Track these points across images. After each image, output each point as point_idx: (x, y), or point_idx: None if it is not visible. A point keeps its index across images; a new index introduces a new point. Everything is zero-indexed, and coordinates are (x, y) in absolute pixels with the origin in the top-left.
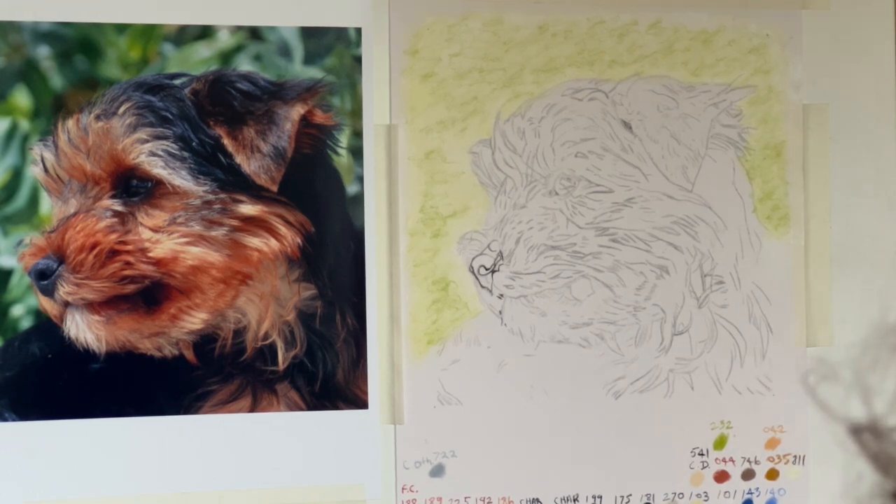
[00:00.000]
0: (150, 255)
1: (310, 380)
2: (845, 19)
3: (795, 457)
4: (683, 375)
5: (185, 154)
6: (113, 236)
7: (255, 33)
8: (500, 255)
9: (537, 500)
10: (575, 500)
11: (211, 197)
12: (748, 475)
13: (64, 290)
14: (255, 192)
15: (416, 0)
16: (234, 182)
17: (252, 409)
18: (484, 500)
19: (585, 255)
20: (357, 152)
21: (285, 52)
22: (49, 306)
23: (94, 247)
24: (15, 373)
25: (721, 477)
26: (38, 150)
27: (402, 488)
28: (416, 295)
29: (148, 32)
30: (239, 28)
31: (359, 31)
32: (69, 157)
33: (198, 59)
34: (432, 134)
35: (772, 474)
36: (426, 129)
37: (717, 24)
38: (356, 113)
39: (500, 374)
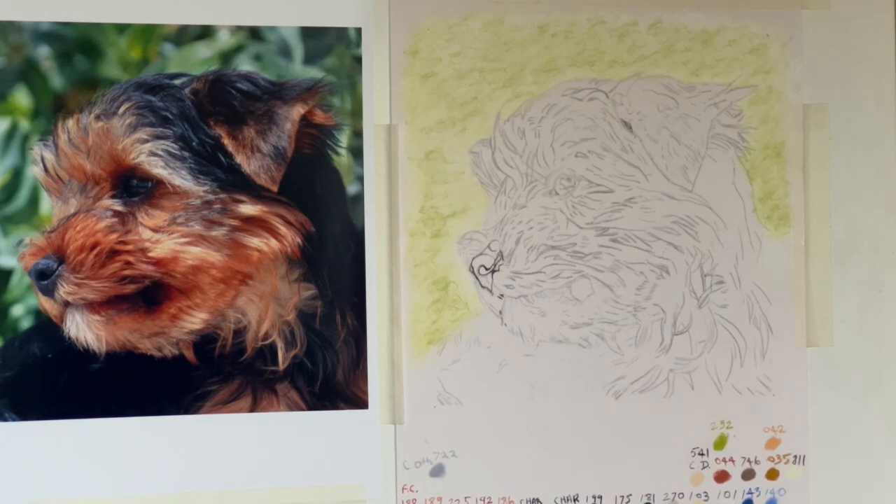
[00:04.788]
0: (151, 254)
1: (310, 380)
2: (845, 19)
3: (795, 457)
4: (683, 375)
5: (186, 154)
6: (113, 236)
7: (255, 33)
8: (500, 255)
9: (537, 500)
10: (575, 500)
11: (211, 197)
12: (748, 475)
13: (64, 289)
14: (256, 192)
15: (416, 0)
16: (234, 182)
17: (252, 409)
18: (484, 500)
19: (585, 255)
20: (357, 152)
21: (285, 52)
22: (49, 306)
23: (94, 247)
24: (15, 373)
25: (721, 477)
26: (38, 150)
27: (402, 488)
28: (416, 295)
29: (148, 32)
30: (239, 28)
31: (359, 31)
32: (69, 157)
33: (198, 59)
34: (432, 134)
35: (772, 474)
36: (426, 129)
37: (717, 25)
38: (356, 113)
39: (500, 374)
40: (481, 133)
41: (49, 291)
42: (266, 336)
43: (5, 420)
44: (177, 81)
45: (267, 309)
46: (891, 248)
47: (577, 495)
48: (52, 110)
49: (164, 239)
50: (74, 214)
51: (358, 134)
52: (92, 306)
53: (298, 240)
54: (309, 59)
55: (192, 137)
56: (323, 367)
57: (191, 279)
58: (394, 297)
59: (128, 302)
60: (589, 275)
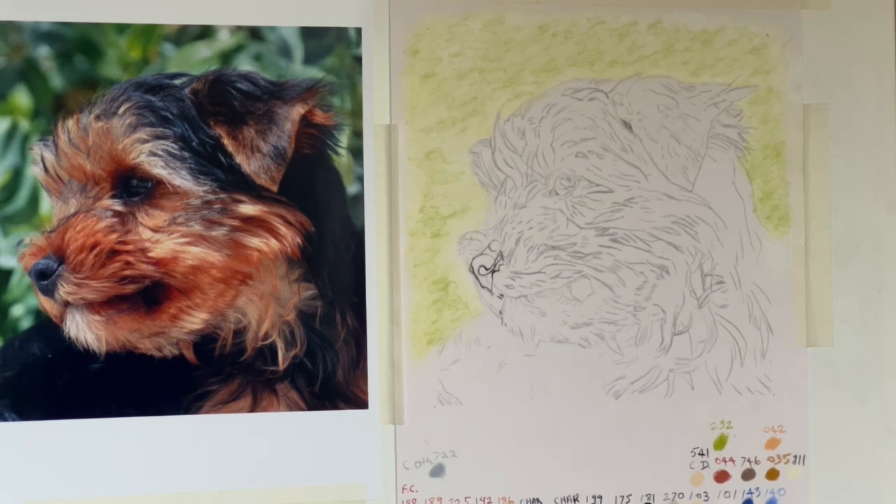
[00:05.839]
0: (151, 254)
1: (310, 380)
2: (845, 19)
3: (795, 457)
4: (683, 375)
5: (186, 154)
6: (113, 236)
7: (255, 33)
8: (500, 255)
9: (537, 500)
10: (575, 500)
11: (211, 197)
12: (748, 475)
13: (64, 289)
14: (256, 192)
15: (416, 0)
16: (234, 182)
17: (252, 409)
18: (484, 500)
19: (585, 255)
20: (357, 152)
21: (285, 52)
22: (49, 306)
23: (94, 247)
24: (15, 373)
25: (721, 477)
26: (38, 150)
27: (402, 488)
28: (416, 295)
29: (148, 32)
30: (239, 28)
31: (359, 31)
32: (69, 157)
33: (198, 59)
34: (432, 134)
35: (772, 474)
36: (426, 129)
37: (717, 24)
38: (356, 113)
39: (500, 374)
40: (481, 133)
41: (49, 291)
42: (266, 336)
43: (5, 420)
44: (177, 81)
45: (267, 309)
46: (891, 248)
47: (577, 495)
48: (52, 110)
49: (164, 239)
50: (74, 214)
51: (358, 134)
52: (92, 306)
53: (298, 240)
54: (309, 59)
55: (192, 137)
56: (323, 367)
57: (191, 279)
58: (394, 297)
59: (128, 302)
60: (589, 275)
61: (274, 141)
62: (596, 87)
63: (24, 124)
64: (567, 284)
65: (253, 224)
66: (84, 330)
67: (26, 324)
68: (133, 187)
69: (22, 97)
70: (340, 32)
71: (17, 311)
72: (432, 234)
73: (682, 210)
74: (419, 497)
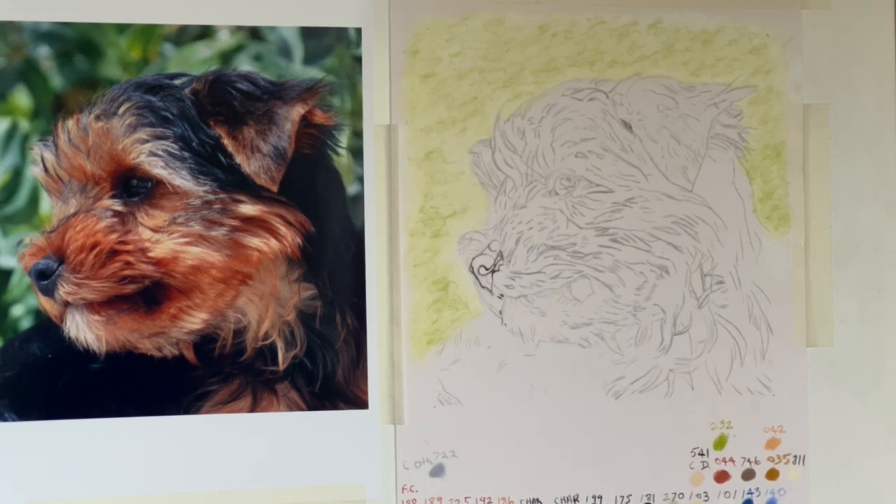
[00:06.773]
0: (151, 255)
1: (310, 380)
2: (845, 19)
3: (795, 457)
4: (683, 375)
5: (185, 154)
6: (113, 236)
7: (255, 33)
8: (500, 255)
9: (537, 500)
10: (575, 500)
11: (211, 197)
12: (748, 475)
13: (64, 290)
14: (256, 192)
15: (416, 0)
16: (234, 182)
17: (252, 409)
18: (484, 500)
19: (585, 255)
20: (357, 152)
21: (285, 52)
22: (49, 306)
23: (94, 247)
24: (15, 373)
25: (721, 477)
26: (38, 150)
27: (402, 488)
28: (416, 295)
29: (148, 32)
30: (239, 28)
31: (359, 31)
32: (69, 157)
33: (198, 59)
34: (432, 134)
35: (772, 474)
36: (426, 129)
37: (717, 25)
38: (356, 113)
39: (500, 374)
40: (481, 133)
41: (49, 291)
42: (266, 336)
43: (5, 420)
44: (177, 81)
45: (267, 309)
46: (891, 248)
47: (577, 495)
48: (52, 110)
49: (164, 239)
50: (74, 214)
51: (358, 134)
52: (92, 306)
53: (298, 240)
54: (309, 59)
55: (192, 137)
56: (323, 367)
57: (191, 279)
58: (394, 297)
59: (128, 302)
60: (589, 275)
61: (274, 141)
62: (596, 87)
63: (24, 124)
64: (567, 284)
65: (253, 224)
66: (84, 330)
67: (26, 324)
68: (133, 187)
69: (22, 97)
70: (340, 32)
71: (17, 311)
72: (432, 234)
73: (681, 210)
74: (419, 497)
